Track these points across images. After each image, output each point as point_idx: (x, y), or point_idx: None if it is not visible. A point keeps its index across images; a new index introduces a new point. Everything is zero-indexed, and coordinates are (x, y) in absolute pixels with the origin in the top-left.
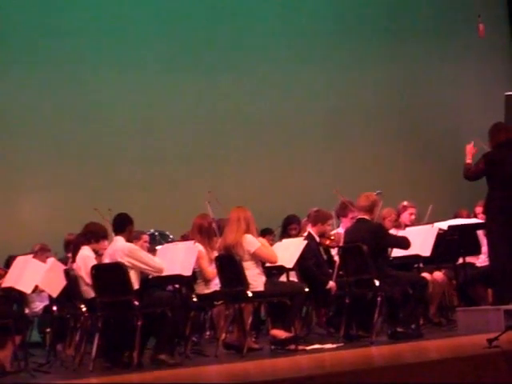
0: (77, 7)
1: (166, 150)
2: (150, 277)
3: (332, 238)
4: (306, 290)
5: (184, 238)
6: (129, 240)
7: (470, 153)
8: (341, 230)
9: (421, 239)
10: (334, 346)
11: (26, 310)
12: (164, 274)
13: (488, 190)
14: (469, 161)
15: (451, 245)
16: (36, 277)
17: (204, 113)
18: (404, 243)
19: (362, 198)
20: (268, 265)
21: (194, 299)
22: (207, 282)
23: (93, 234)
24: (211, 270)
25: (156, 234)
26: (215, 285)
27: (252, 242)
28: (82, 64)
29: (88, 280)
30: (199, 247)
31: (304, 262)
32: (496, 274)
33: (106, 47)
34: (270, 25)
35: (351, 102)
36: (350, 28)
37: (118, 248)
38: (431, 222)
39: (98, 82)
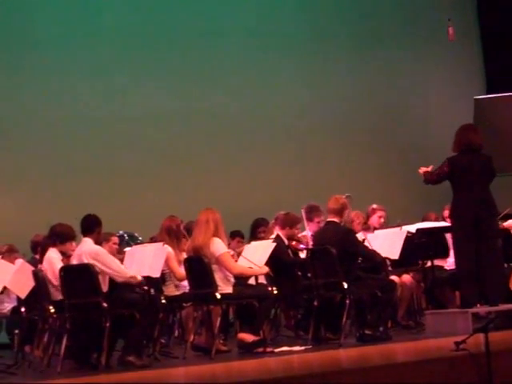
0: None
1: (136, 152)
2: None
3: (300, 240)
4: (275, 292)
5: (153, 240)
6: (97, 242)
7: (426, 169)
8: (307, 233)
9: (389, 242)
10: (303, 348)
11: None
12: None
13: (453, 193)
14: (427, 169)
15: (419, 248)
16: (4, 278)
17: (177, 113)
18: (372, 259)
19: (332, 200)
20: None
21: (163, 301)
22: (177, 283)
23: (58, 236)
24: (181, 271)
25: (125, 235)
26: (184, 287)
27: (218, 247)
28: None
29: (55, 282)
30: (168, 249)
31: (278, 256)
32: (461, 277)
33: (79, 55)
34: (249, 26)
35: (323, 106)
36: (321, 33)
37: (86, 250)
38: (399, 225)
39: (63, 87)
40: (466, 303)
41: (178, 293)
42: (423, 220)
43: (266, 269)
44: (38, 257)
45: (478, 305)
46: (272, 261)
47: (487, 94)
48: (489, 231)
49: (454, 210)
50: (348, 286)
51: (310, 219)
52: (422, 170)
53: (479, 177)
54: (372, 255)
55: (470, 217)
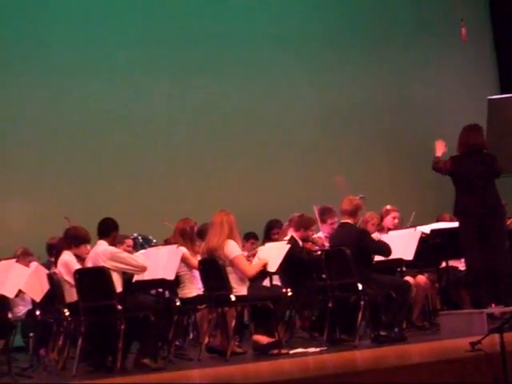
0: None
1: (147, 154)
2: (134, 280)
3: (315, 242)
4: (290, 294)
5: (167, 243)
6: (112, 245)
7: (440, 149)
8: (321, 235)
9: (403, 243)
10: (318, 349)
11: (9, 315)
12: (147, 277)
13: (456, 194)
14: (438, 154)
15: (434, 248)
16: (19, 281)
17: (187, 116)
18: (385, 250)
19: (346, 201)
20: None
21: (178, 303)
22: (194, 282)
23: (73, 239)
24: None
25: (139, 238)
26: (198, 289)
27: (233, 249)
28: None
29: (72, 282)
30: (183, 250)
31: (295, 255)
32: (470, 277)
33: (81, 55)
34: (255, 27)
35: (335, 106)
36: (329, 33)
37: (100, 252)
38: (414, 225)
39: (78, 89)
40: (477, 304)
41: (192, 295)
42: (438, 220)
43: (266, 260)
44: (53, 259)
45: (492, 305)
46: (287, 262)
47: (500, 93)
48: (493, 235)
49: (458, 212)
50: (362, 287)
51: (323, 221)
52: (439, 144)
53: (482, 178)
54: (383, 246)
55: (472, 220)
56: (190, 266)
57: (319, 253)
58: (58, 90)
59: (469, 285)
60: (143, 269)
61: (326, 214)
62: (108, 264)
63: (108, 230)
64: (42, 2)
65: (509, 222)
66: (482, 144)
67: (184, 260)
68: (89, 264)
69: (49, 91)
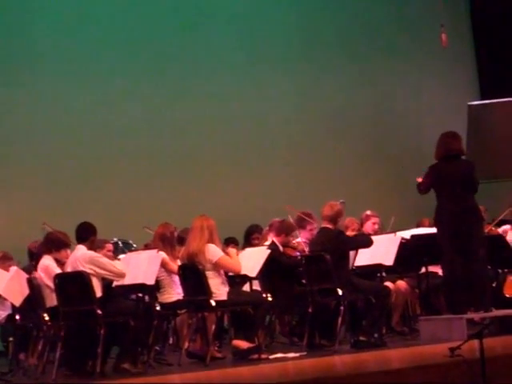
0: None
1: (130, 159)
2: (114, 285)
3: (295, 247)
4: (270, 299)
5: (147, 247)
6: (90, 249)
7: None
8: (300, 240)
9: (383, 248)
10: (297, 354)
11: None
12: (127, 282)
13: (437, 200)
14: (419, 179)
15: (414, 254)
16: None
17: (169, 121)
18: (364, 242)
19: (327, 207)
20: (231, 274)
21: (158, 308)
22: (174, 287)
23: (53, 243)
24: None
25: (119, 242)
26: (178, 293)
27: (214, 252)
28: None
29: (52, 286)
30: (163, 254)
31: (276, 259)
32: (447, 283)
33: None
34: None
35: (315, 113)
36: (312, 38)
37: (80, 256)
38: (394, 231)
39: (60, 92)
40: (453, 309)
41: (172, 300)
42: (418, 226)
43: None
44: (34, 264)
45: (471, 311)
46: (267, 267)
47: (481, 99)
48: (467, 244)
49: (438, 218)
50: (342, 292)
51: (302, 227)
52: (419, 180)
53: (459, 184)
54: (365, 240)
55: (449, 227)
56: (169, 271)
57: (299, 258)
58: (40, 92)
59: (445, 290)
60: (121, 275)
61: (304, 220)
62: (87, 268)
63: (86, 234)
64: None
65: (488, 229)
66: (460, 150)
67: (164, 265)
68: (68, 269)
69: (30, 92)
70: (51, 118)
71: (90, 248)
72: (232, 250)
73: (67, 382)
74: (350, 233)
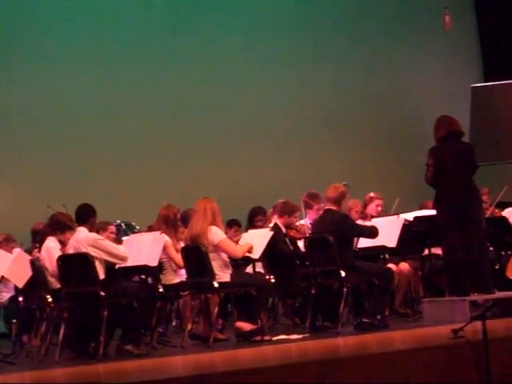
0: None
1: (132, 141)
2: (117, 267)
3: (298, 229)
4: (273, 280)
5: (150, 229)
6: (91, 231)
7: None
8: (306, 222)
9: (387, 230)
10: (300, 336)
11: None
12: (130, 264)
13: (436, 183)
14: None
15: (417, 236)
16: (2, 267)
17: (171, 103)
18: (371, 232)
19: (331, 189)
20: None
21: (160, 290)
22: (176, 270)
23: (58, 225)
24: (180, 258)
25: (122, 224)
26: (181, 275)
27: (216, 234)
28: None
29: (52, 271)
30: (165, 237)
31: (276, 246)
32: (448, 265)
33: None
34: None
35: (316, 95)
36: (311, 22)
37: (82, 238)
38: (397, 213)
39: (61, 75)
40: (455, 291)
41: (175, 281)
42: (421, 208)
43: (251, 244)
44: (37, 245)
45: (472, 294)
46: (270, 249)
47: (484, 82)
48: (474, 216)
49: (437, 199)
50: (345, 274)
51: (309, 207)
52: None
53: (458, 164)
54: (369, 229)
55: (453, 203)
56: (168, 256)
57: (302, 240)
58: (41, 78)
59: (447, 272)
60: (124, 259)
61: (312, 199)
62: (89, 250)
63: (85, 216)
64: None
65: (489, 212)
66: (459, 131)
67: (164, 249)
68: (70, 251)
69: (32, 79)
70: (53, 102)
71: (90, 230)
72: (228, 242)
73: (70, 363)
74: (353, 214)
